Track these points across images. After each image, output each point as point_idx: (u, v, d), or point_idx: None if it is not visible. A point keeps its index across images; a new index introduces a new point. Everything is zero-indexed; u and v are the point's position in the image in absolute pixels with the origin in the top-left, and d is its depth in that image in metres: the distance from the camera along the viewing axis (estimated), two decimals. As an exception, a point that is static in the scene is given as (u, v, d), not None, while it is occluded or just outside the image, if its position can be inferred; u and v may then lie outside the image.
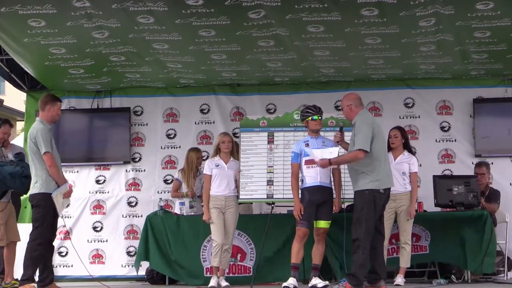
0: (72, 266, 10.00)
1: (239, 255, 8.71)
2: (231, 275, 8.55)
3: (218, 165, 8.18)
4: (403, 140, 8.32)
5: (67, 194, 7.43)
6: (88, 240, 10.15)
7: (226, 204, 8.12)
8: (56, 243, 9.88)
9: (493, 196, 9.04)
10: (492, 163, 9.60)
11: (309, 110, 7.67)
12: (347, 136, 7.57)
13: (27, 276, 7.17)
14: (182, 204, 9.06)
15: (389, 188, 7.24)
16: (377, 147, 7.14)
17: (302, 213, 7.44)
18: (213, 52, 8.62)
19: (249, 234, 8.71)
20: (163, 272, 8.80)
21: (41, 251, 7.23)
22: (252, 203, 9.24)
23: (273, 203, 8.37)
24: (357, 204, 7.15)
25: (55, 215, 7.33)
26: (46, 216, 7.23)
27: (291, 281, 7.41)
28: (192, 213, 8.96)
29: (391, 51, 8.57)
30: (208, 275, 8.41)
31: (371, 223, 7.04)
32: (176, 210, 9.13)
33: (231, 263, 8.58)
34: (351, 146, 7.25)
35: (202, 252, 8.70)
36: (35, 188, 7.29)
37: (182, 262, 8.72)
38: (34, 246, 7.19)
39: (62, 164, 10.03)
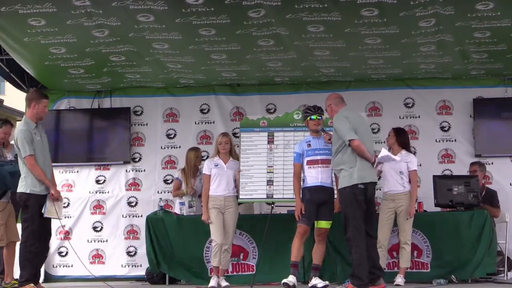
0: (72, 266, 9.99)
1: (242, 254, 8.72)
2: (235, 273, 8.59)
3: (217, 165, 8.18)
4: (395, 138, 8.31)
5: (55, 199, 7.32)
6: (88, 240, 10.14)
7: (225, 204, 8.12)
8: (56, 243, 10.00)
9: (491, 197, 9.04)
10: (492, 163, 9.61)
11: (308, 110, 7.70)
12: None
13: (25, 277, 7.15)
14: (182, 204, 9.06)
15: (372, 183, 7.14)
16: None
17: (303, 212, 7.44)
18: (213, 52, 8.61)
19: (250, 234, 8.72)
20: (167, 272, 8.78)
21: (35, 251, 7.19)
22: (252, 203, 9.23)
23: (273, 203, 8.37)
24: (341, 203, 7.18)
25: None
26: (35, 216, 7.19)
27: (291, 278, 7.39)
28: (192, 213, 8.96)
29: (391, 51, 8.56)
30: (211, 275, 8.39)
31: (358, 221, 6.98)
32: (176, 210, 9.14)
33: (235, 262, 8.61)
34: (333, 146, 7.25)
35: (205, 253, 8.69)
36: (22, 187, 7.26)
37: (184, 262, 8.72)
38: (27, 247, 7.17)
39: (62, 164, 10.17)
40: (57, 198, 7.33)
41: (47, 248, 7.52)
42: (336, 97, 7.52)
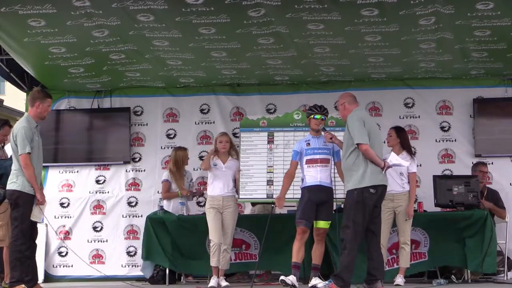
0: (72, 266, 9.99)
1: (243, 246, 8.76)
2: (237, 261, 8.64)
3: (216, 165, 8.18)
4: (398, 139, 8.30)
5: (41, 203, 7.25)
6: (88, 240, 10.13)
7: (224, 204, 8.12)
8: (56, 243, 10.00)
9: (494, 197, 9.05)
10: (492, 163, 9.61)
11: (313, 109, 7.70)
12: (338, 136, 7.58)
13: (16, 277, 7.06)
14: (183, 204, 9.07)
15: (382, 186, 7.05)
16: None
17: (278, 206, 7.57)
18: (213, 50, 8.61)
19: (251, 231, 8.75)
20: (170, 267, 8.77)
21: (25, 250, 7.11)
22: (267, 203, 9.16)
23: (273, 203, 8.37)
24: (346, 204, 7.08)
25: None
26: (25, 215, 7.11)
27: (291, 277, 7.38)
28: (184, 213, 8.94)
29: (391, 48, 8.56)
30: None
31: (359, 225, 6.89)
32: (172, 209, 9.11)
33: (237, 252, 8.63)
34: (345, 146, 7.17)
35: (208, 248, 8.66)
36: (14, 184, 7.14)
37: (188, 256, 8.76)
38: (17, 246, 7.07)
39: (62, 164, 10.18)
40: (42, 202, 7.26)
41: (34, 245, 7.44)
42: (350, 96, 7.42)
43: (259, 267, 8.43)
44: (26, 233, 7.14)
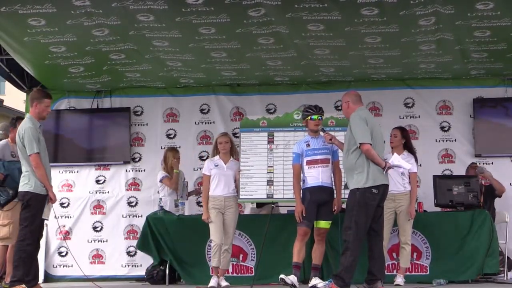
0: (72, 266, 9.97)
1: (241, 256, 8.72)
2: (234, 274, 8.57)
3: (217, 165, 8.18)
4: (403, 140, 8.30)
5: (53, 202, 7.29)
6: (88, 240, 10.14)
7: (225, 204, 8.11)
8: (56, 243, 10.01)
9: (490, 188, 9.11)
10: (492, 163, 9.61)
11: (309, 110, 7.66)
12: (338, 136, 7.58)
13: (18, 277, 7.05)
14: (183, 204, 9.06)
15: (384, 185, 6.99)
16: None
17: (304, 214, 7.41)
18: (213, 50, 8.61)
19: (249, 234, 8.71)
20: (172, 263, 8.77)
21: (30, 251, 7.11)
22: (273, 203, 9.13)
23: (273, 203, 8.36)
24: (348, 204, 7.00)
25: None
26: (36, 216, 7.12)
27: (291, 277, 7.36)
28: (183, 213, 8.94)
29: (391, 50, 8.56)
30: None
31: (361, 226, 6.85)
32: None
33: (234, 263, 8.60)
34: (346, 145, 7.12)
35: (207, 251, 8.66)
36: (26, 186, 7.14)
37: (186, 261, 8.74)
38: (23, 246, 7.07)
39: (62, 164, 10.18)
40: (55, 201, 7.32)
41: (38, 248, 7.45)
42: (356, 94, 7.32)
43: (256, 281, 8.30)
44: (34, 233, 7.15)
